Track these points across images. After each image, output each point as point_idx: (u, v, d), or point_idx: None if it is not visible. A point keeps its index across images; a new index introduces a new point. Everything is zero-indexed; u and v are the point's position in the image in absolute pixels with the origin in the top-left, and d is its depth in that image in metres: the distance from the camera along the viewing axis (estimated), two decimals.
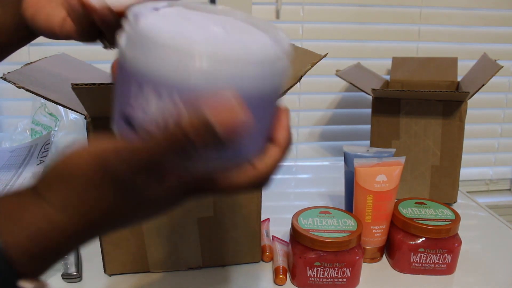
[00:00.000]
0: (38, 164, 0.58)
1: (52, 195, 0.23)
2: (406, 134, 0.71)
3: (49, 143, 0.61)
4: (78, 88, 0.38)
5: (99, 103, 0.41)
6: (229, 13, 0.28)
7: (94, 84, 0.38)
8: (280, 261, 0.53)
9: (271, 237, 0.59)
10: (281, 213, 0.67)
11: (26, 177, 0.56)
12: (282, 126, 0.27)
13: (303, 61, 0.48)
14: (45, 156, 0.58)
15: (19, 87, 0.42)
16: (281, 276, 0.51)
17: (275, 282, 0.51)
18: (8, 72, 0.44)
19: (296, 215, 0.52)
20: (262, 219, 0.54)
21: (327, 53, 0.47)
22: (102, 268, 0.51)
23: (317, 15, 0.92)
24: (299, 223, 0.50)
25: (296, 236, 0.49)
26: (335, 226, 0.50)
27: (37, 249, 0.23)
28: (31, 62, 0.51)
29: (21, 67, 0.48)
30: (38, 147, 0.61)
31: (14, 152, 0.64)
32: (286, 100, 0.95)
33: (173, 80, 0.22)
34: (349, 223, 0.50)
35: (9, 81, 0.42)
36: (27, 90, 0.42)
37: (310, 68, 0.46)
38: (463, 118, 0.67)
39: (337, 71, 0.78)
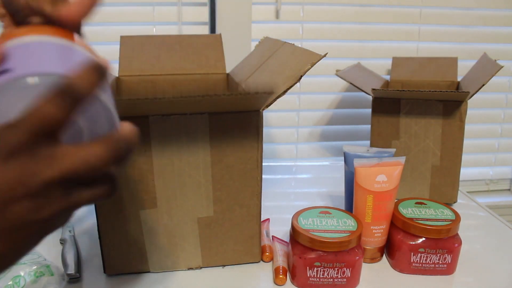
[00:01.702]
0: None
1: None
2: (406, 134, 0.71)
3: None
4: None
5: None
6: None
7: None
8: (280, 261, 0.53)
9: (271, 237, 0.59)
10: (281, 213, 0.67)
11: None
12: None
13: (302, 61, 0.48)
14: None
15: None
16: (281, 276, 0.51)
17: (275, 282, 0.51)
18: None
19: (296, 215, 0.52)
20: (262, 219, 0.54)
21: (327, 53, 0.47)
22: (102, 268, 0.51)
23: (317, 15, 0.92)
24: (299, 223, 0.50)
25: (296, 236, 0.49)
26: (335, 226, 0.50)
27: None
28: None
29: None
30: None
31: None
32: (286, 100, 0.96)
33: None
34: (349, 223, 0.50)
35: None
36: None
37: (310, 68, 0.46)
38: (463, 118, 0.67)
39: (337, 71, 0.78)
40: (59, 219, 0.26)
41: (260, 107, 0.47)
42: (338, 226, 0.50)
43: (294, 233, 0.50)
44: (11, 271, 0.46)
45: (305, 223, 0.50)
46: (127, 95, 0.41)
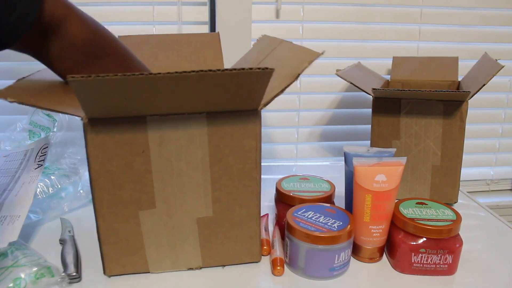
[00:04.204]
0: (36, 168, 0.57)
1: None
2: (406, 134, 0.70)
3: (46, 147, 0.60)
4: (75, 80, 0.37)
5: (97, 98, 0.41)
6: None
7: (90, 76, 0.37)
8: (278, 252, 0.53)
9: (269, 232, 0.59)
10: None
11: (24, 181, 0.56)
12: None
13: (300, 59, 0.48)
14: (43, 160, 0.58)
15: (11, 102, 0.41)
16: (278, 267, 0.51)
17: (273, 273, 0.51)
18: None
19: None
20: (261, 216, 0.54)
21: (324, 51, 0.47)
22: (102, 269, 0.51)
23: (317, 15, 0.92)
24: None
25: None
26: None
27: None
28: (23, 77, 0.50)
29: (14, 82, 0.46)
30: (35, 151, 0.61)
31: (8, 157, 0.63)
32: (286, 100, 0.95)
33: None
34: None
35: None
36: (20, 103, 0.41)
37: (308, 66, 0.46)
38: (463, 118, 0.67)
39: (337, 70, 0.77)
40: None
41: (259, 100, 0.47)
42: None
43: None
44: (11, 273, 0.46)
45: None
46: (124, 92, 0.41)
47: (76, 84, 0.38)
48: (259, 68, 0.40)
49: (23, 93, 0.44)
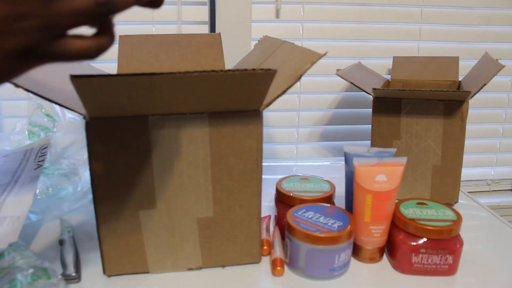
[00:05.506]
0: (35, 169, 0.57)
1: None
2: (407, 134, 0.70)
3: (46, 147, 0.60)
4: (78, 80, 0.37)
5: (99, 97, 0.41)
6: None
7: (93, 75, 0.37)
8: (278, 253, 0.53)
9: (270, 233, 0.59)
10: None
11: (24, 182, 0.56)
12: None
13: (302, 60, 0.48)
14: (42, 160, 0.58)
15: (17, 87, 0.42)
16: (278, 268, 0.51)
17: (273, 274, 0.51)
18: None
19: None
20: (263, 216, 0.54)
21: (327, 52, 0.47)
22: (101, 269, 0.51)
23: (317, 15, 0.91)
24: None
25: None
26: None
27: None
28: None
29: None
30: (34, 152, 0.61)
31: (8, 157, 0.63)
32: (286, 100, 0.95)
33: None
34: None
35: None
36: (25, 89, 0.42)
37: (310, 67, 0.46)
38: (464, 117, 0.67)
39: (337, 70, 0.77)
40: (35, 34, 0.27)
41: (261, 101, 0.47)
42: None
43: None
44: (8, 274, 0.46)
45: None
46: (126, 92, 0.41)
47: (78, 83, 0.38)
48: (262, 69, 0.40)
49: (30, 79, 0.44)
